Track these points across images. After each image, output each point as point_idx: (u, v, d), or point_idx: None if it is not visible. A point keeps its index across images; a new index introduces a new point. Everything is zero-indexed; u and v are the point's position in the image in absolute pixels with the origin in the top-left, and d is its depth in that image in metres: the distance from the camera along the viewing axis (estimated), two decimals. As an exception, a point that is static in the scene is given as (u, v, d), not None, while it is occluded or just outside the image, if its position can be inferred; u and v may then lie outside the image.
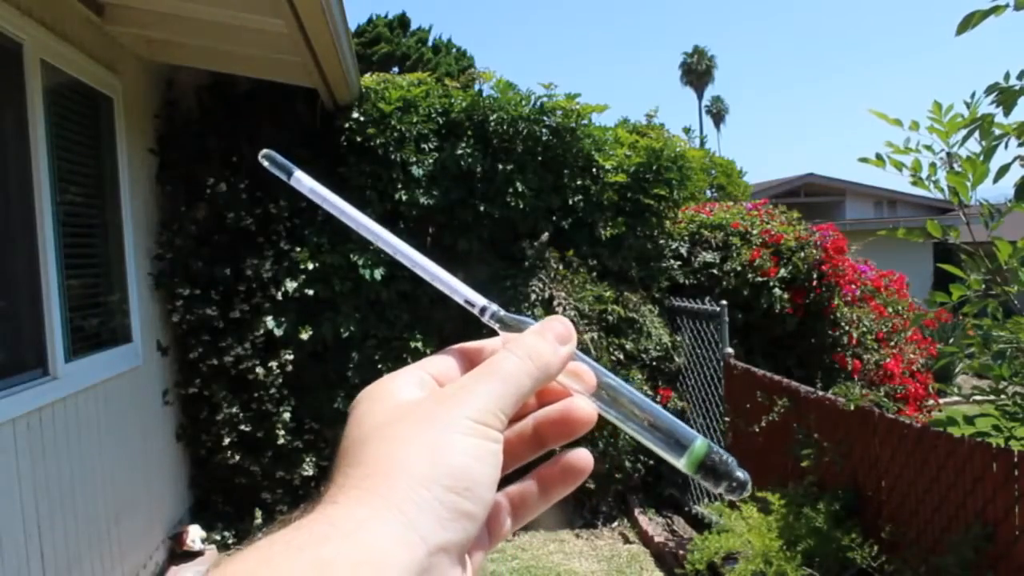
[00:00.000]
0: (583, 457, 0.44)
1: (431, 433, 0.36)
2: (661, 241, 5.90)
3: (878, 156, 2.27)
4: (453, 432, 0.36)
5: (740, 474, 0.42)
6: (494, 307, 0.45)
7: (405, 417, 0.38)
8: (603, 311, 5.37)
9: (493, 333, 0.45)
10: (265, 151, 0.46)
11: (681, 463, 0.42)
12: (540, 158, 5.49)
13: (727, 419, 4.95)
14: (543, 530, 5.09)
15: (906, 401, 5.90)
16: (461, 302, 0.44)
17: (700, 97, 59.43)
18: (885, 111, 2.25)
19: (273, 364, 4.94)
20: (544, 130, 5.48)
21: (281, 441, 4.96)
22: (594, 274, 5.54)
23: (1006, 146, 2.05)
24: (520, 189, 5.32)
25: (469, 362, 0.44)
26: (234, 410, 4.90)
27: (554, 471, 0.44)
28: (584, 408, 0.43)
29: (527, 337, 0.42)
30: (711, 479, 0.42)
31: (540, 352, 0.41)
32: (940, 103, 2.18)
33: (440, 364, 0.44)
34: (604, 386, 0.44)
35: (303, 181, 0.45)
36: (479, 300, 0.44)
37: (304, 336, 4.99)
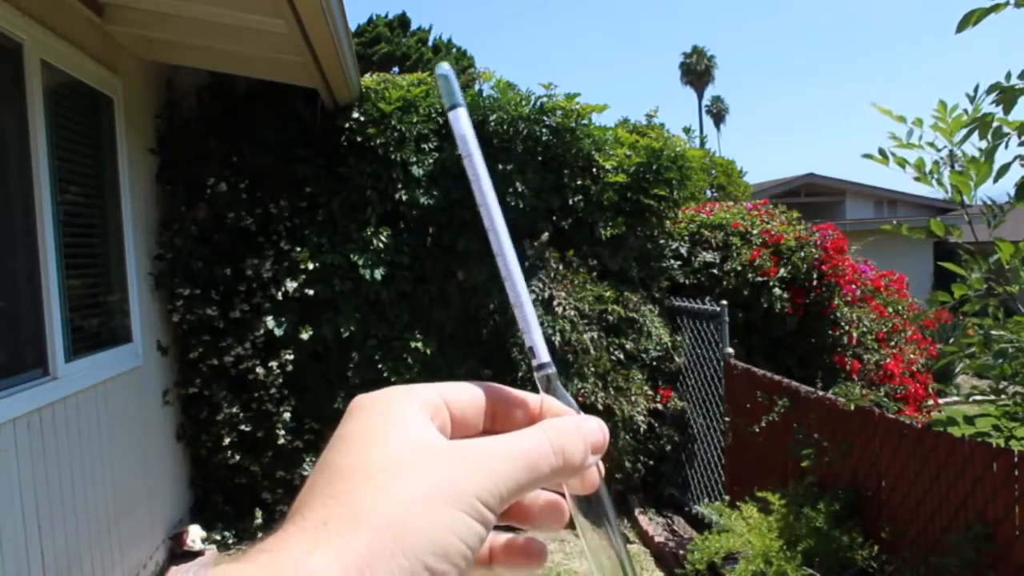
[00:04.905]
0: (540, 549, 0.42)
1: (433, 500, 0.35)
2: (661, 241, 5.90)
3: (881, 152, 2.27)
4: (455, 507, 0.35)
5: None
6: (551, 370, 0.42)
7: (408, 466, 0.36)
8: (603, 311, 5.37)
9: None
10: (448, 67, 0.42)
11: None
12: (540, 158, 5.49)
13: (727, 419, 4.95)
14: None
15: (906, 401, 5.90)
16: (527, 345, 0.43)
17: (700, 97, 59.38)
18: (887, 108, 2.25)
19: (273, 364, 4.94)
20: (544, 130, 5.48)
21: (281, 441, 4.96)
22: (594, 274, 5.54)
23: (1007, 145, 2.05)
24: (520, 189, 5.32)
25: (492, 405, 0.43)
26: (234, 410, 4.90)
27: (505, 549, 0.42)
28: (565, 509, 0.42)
29: (566, 431, 0.40)
30: None
31: (572, 454, 0.39)
32: (945, 102, 2.17)
33: (461, 394, 0.42)
34: (597, 500, 0.42)
35: (460, 121, 0.42)
36: (543, 355, 0.42)
37: (304, 336, 5.00)
